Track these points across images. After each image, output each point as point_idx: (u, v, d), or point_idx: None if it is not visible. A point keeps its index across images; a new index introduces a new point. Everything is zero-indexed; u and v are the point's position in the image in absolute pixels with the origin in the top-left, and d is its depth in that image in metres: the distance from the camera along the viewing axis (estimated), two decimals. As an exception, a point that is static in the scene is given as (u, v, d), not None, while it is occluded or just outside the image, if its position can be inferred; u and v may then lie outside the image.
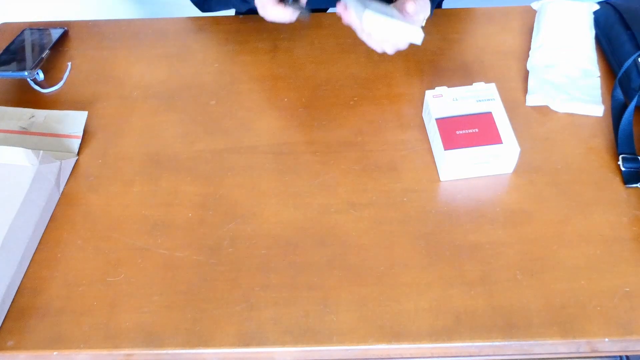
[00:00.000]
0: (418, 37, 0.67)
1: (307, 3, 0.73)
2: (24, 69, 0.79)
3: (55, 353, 0.57)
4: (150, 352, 0.56)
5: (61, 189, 0.69)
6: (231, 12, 1.04)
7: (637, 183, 0.65)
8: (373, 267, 0.60)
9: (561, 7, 0.80)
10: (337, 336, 0.56)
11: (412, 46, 0.82)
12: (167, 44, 0.86)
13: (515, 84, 0.77)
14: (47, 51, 0.83)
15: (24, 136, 0.74)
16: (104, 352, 0.56)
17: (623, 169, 0.66)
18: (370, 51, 0.82)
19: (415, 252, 0.61)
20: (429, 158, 0.70)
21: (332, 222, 0.64)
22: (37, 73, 0.80)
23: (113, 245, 0.64)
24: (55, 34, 0.87)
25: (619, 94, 0.72)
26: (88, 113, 0.77)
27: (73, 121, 0.76)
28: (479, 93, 0.70)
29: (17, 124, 0.76)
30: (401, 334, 0.56)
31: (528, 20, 0.85)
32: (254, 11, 0.97)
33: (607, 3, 0.81)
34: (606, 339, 0.55)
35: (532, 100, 0.74)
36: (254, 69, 0.82)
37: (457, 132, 0.66)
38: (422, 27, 0.70)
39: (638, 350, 0.56)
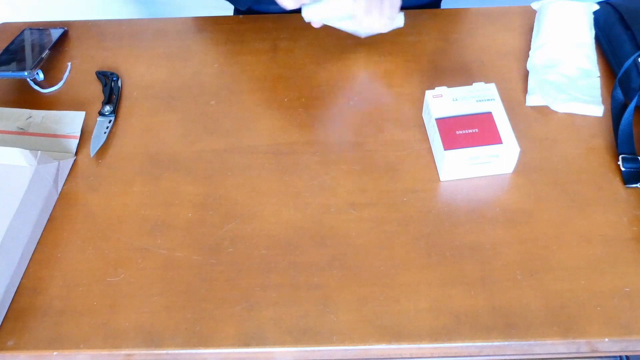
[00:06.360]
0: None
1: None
2: (23, 69, 0.79)
3: (55, 353, 0.57)
4: (150, 352, 0.56)
5: (59, 189, 0.69)
6: (231, 12, 1.04)
7: (637, 183, 0.65)
8: (373, 267, 0.60)
9: (561, 7, 0.80)
10: (337, 336, 0.56)
11: (412, 46, 0.83)
12: (167, 44, 0.86)
13: (515, 84, 0.77)
14: (47, 51, 0.83)
15: (21, 137, 0.74)
16: (104, 352, 0.56)
17: (623, 169, 0.66)
18: (370, 51, 0.83)
19: (415, 252, 0.61)
20: (429, 158, 0.70)
21: (332, 222, 0.64)
22: (37, 73, 0.80)
23: (113, 245, 0.64)
24: (55, 34, 0.87)
25: (619, 94, 0.72)
26: (87, 113, 0.76)
27: (71, 121, 0.76)
28: (479, 93, 0.70)
29: (15, 125, 0.76)
30: (401, 334, 0.56)
31: (528, 20, 0.85)
32: (254, 11, 0.97)
33: (607, 3, 0.81)
34: (606, 339, 0.55)
35: (532, 100, 0.74)
36: (254, 69, 0.81)
37: (457, 132, 0.66)
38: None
39: (638, 350, 0.56)
